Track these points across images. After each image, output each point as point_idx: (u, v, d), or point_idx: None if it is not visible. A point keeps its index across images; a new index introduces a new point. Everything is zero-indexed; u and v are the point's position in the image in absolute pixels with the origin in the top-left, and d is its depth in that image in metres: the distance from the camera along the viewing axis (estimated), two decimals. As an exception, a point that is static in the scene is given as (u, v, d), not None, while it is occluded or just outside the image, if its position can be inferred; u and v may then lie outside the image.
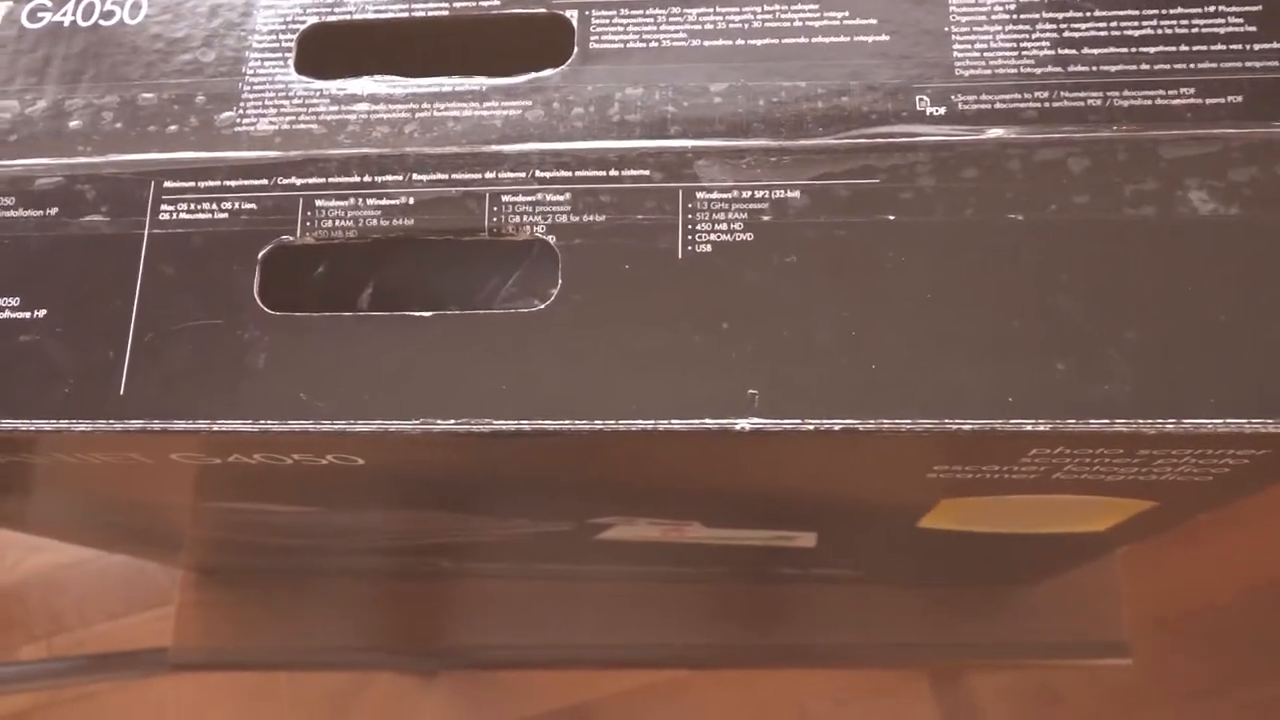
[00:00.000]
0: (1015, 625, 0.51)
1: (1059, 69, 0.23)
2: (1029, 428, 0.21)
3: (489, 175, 0.24)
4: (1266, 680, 0.92)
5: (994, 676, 0.95)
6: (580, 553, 0.44)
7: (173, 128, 0.25)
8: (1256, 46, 0.23)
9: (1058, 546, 0.37)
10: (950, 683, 0.95)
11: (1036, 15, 0.24)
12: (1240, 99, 0.23)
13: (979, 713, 0.94)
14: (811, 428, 0.21)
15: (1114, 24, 0.23)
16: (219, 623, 0.55)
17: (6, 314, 0.24)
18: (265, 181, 0.24)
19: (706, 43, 0.24)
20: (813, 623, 0.52)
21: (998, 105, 0.23)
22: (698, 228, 0.23)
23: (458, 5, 0.25)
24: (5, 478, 0.30)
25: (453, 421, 0.22)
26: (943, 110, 0.23)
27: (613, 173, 0.23)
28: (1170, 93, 0.23)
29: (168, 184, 0.25)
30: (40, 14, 0.27)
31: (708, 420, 0.22)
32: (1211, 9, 0.23)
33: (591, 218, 0.23)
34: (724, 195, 0.23)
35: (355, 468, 0.26)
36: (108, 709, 1.02)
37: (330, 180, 0.24)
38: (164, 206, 0.24)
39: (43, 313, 0.24)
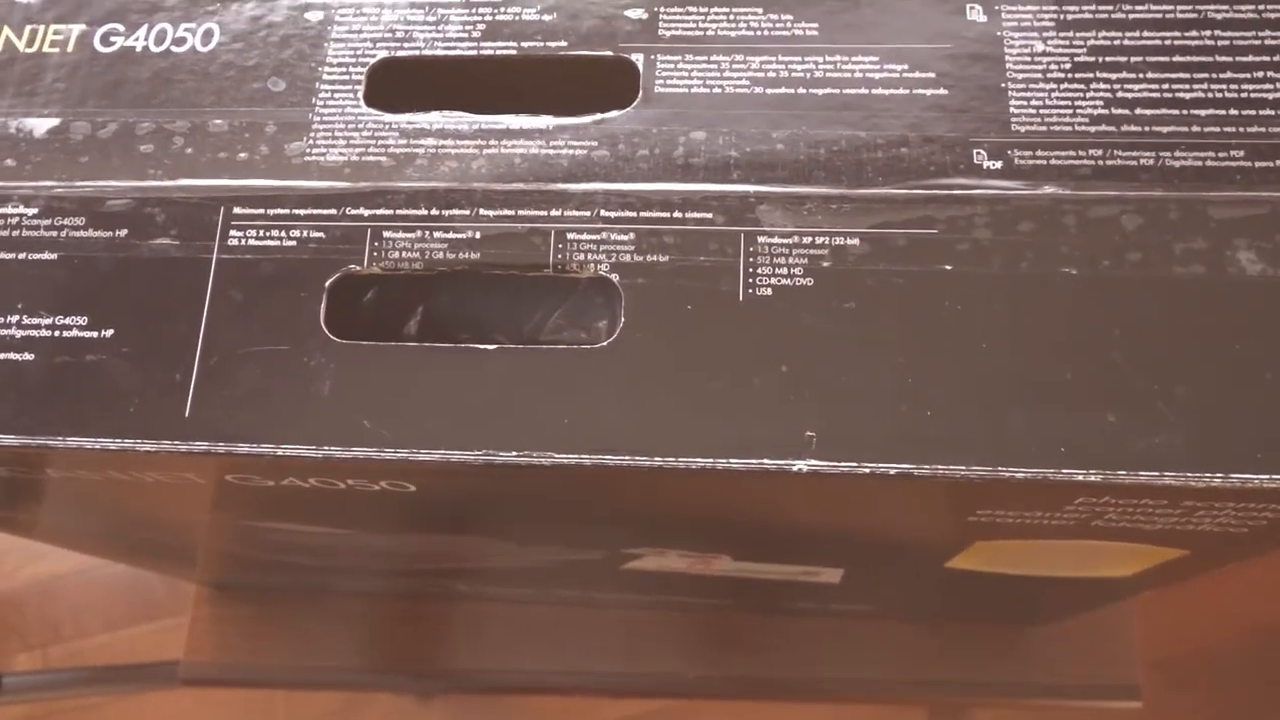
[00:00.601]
0: (1026, 665, 0.51)
1: (1112, 128, 0.24)
2: (1080, 477, 0.22)
3: (554, 213, 0.24)
4: (1262, 718, 0.93)
5: (994, 713, 0.95)
6: (603, 581, 0.44)
7: (243, 155, 0.26)
8: (1304, 113, 0.24)
9: (1081, 589, 0.37)
10: (950, 718, 0.95)
11: (1091, 75, 0.24)
12: (1288, 163, 0.24)
13: (977, 750, 0.94)
14: (868, 471, 0.22)
15: (1166, 86, 0.24)
16: (231, 639, 0.55)
17: (75, 332, 0.24)
18: (334, 211, 0.25)
19: (769, 90, 0.25)
20: (825, 657, 0.52)
21: (1053, 161, 0.24)
22: (759, 271, 0.23)
23: (525, 45, 0.26)
24: (39, 489, 0.30)
25: (515, 454, 0.23)
26: (999, 165, 0.24)
27: (676, 214, 0.24)
28: (1220, 155, 0.24)
29: (237, 210, 0.25)
30: (113, 38, 0.27)
31: (766, 460, 0.22)
32: (1261, 74, 0.24)
33: (655, 258, 0.24)
34: (785, 240, 0.24)
35: (405, 494, 0.26)
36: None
37: (398, 212, 0.25)
38: (233, 232, 0.25)
39: (110, 332, 0.24)
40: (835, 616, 0.50)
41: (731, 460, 0.22)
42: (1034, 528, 0.26)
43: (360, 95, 0.26)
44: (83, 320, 0.24)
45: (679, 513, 0.28)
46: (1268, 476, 0.21)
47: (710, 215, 0.24)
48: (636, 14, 0.26)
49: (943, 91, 0.25)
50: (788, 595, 0.45)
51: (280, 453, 0.23)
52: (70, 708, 1.01)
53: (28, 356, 0.24)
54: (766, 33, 0.25)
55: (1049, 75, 0.25)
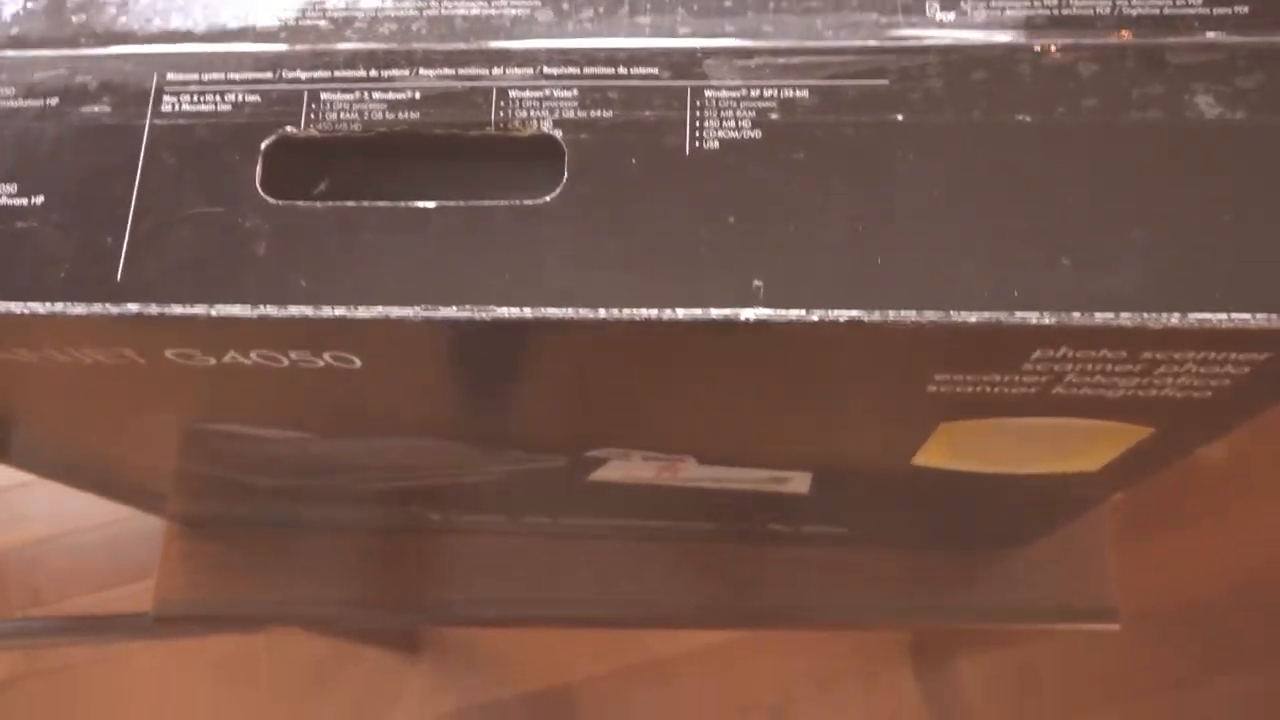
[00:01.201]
0: (1003, 589, 0.51)
1: (1068, -24, 0.23)
2: (1034, 320, 0.21)
3: (496, 71, 0.24)
4: (1247, 670, 0.93)
5: (977, 661, 0.96)
6: (570, 500, 0.43)
7: (177, 21, 0.25)
8: (1264, -42, 0.23)
9: (1048, 493, 0.37)
10: (933, 668, 0.95)
11: (1046, -76, 0.24)
12: (1246, 9, 0.23)
13: (961, 696, 0.95)
14: (816, 319, 0.21)
15: (1123, -66, 0.24)
16: (203, 575, 0.54)
17: (4, 200, 0.24)
18: (270, 75, 0.24)
19: (717, -55, 0.24)
20: (799, 584, 0.52)
21: (1008, 11, 0.23)
22: (705, 125, 0.23)
23: (467, -94, 0.25)
24: None
25: (454, 309, 0.22)
26: (952, 15, 0.23)
27: (621, 70, 0.23)
28: (1178, 2, 0.23)
29: (170, 76, 0.24)
30: (43, -91, 0.26)
31: (713, 310, 0.22)
32: (1220, -78, 0.24)
33: (599, 113, 0.23)
34: (732, 94, 0.23)
35: (353, 372, 0.26)
36: (86, 683, 1.01)
37: (336, 74, 0.24)
38: (166, 98, 0.24)
39: (40, 200, 0.24)
40: (809, 542, 0.49)
41: (678, 310, 0.22)
42: (996, 399, 0.26)
43: (297, -41, 0.25)
44: (12, 188, 0.24)
45: (633, 393, 0.27)
46: (1225, 315, 0.21)
47: (656, 70, 0.23)
48: (581, -128, 0.25)
49: (895, -57, 0.24)
50: (760, 514, 0.45)
51: (215, 313, 0.22)
52: (47, 669, 1.01)
53: (-46, 224, 0.24)
54: (714, -112, 0.25)
55: (1004, -75, 0.24)
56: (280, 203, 0.23)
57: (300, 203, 0.23)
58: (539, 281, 0.22)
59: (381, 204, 0.23)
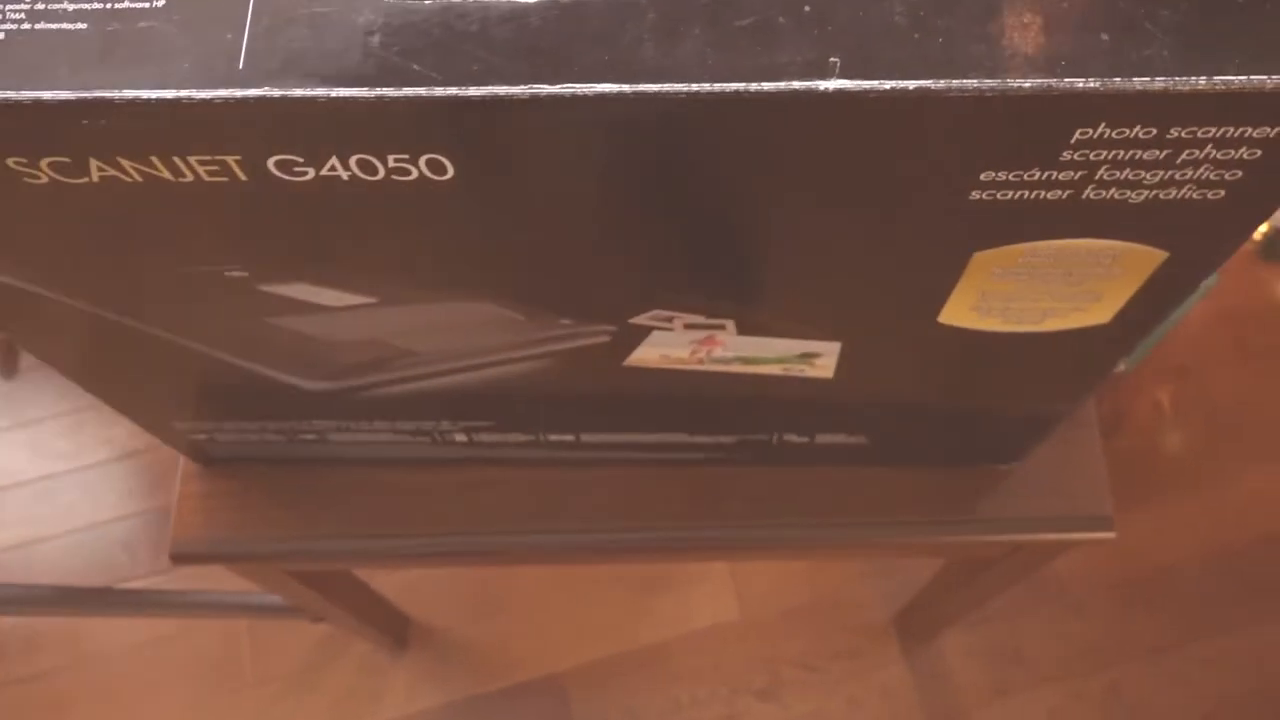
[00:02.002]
0: (1001, 502, 0.53)
1: None
2: (1080, 86, 0.24)
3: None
4: (1220, 634, 0.96)
5: (960, 637, 0.98)
6: (598, 404, 0.45)
7: None
8: None
9: (1061, 362, 0.39)
10: (920, 644, 0.97)
11: None
12: None
13: (947, 672, 0.96)
14: (889, 87, 0.24)
15: None
16: (220, 514, 0.55)
17: (126, 3, 0.25)
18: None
19: None
20: (807, 505, 0.53)
21: None
22: (778, -67, 0.25)
23: None
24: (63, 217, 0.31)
25: (559, 86, 0.24)
26: None
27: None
28: None
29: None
30: None
31: (795, 83, 0.24)
32: None
33: (680, -76, 0.26)
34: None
35: (441, 190, 0.28)
36: (63, 689, 0.98)
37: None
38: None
39: (161, 2, 0.25)
40: (822, 458, 0.51)
41: (763, 84, 0.24)
42: (1031, 208, 0.29)
43: None
44: (133, -6, 0.26)
45: (695, 226, 0.29)
46: (1245, 78, 0.24)
47: (730, -111, 0.26)
48: None
49: None
50: (776, 416, 0.47)
51: (333, 95, 0.24)
52: (20, 677, 0.98)
53: (80, 26, 0.25)
54: None
55: None
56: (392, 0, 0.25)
57: (409, 0, 0.25)
58: (633, 63, 0.24)
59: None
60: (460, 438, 0.50)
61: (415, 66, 0.25)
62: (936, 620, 0.95)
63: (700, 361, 0.41)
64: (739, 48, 0.24)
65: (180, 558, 0.55)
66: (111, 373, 0.43)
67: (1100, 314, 0.36)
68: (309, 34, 0.25)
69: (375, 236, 0.31)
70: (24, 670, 1.01)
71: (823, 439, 0.50)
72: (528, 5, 0.25)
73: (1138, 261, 0.32)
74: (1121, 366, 1.16)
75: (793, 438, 0.50)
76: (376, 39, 0.25)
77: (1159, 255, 0.32)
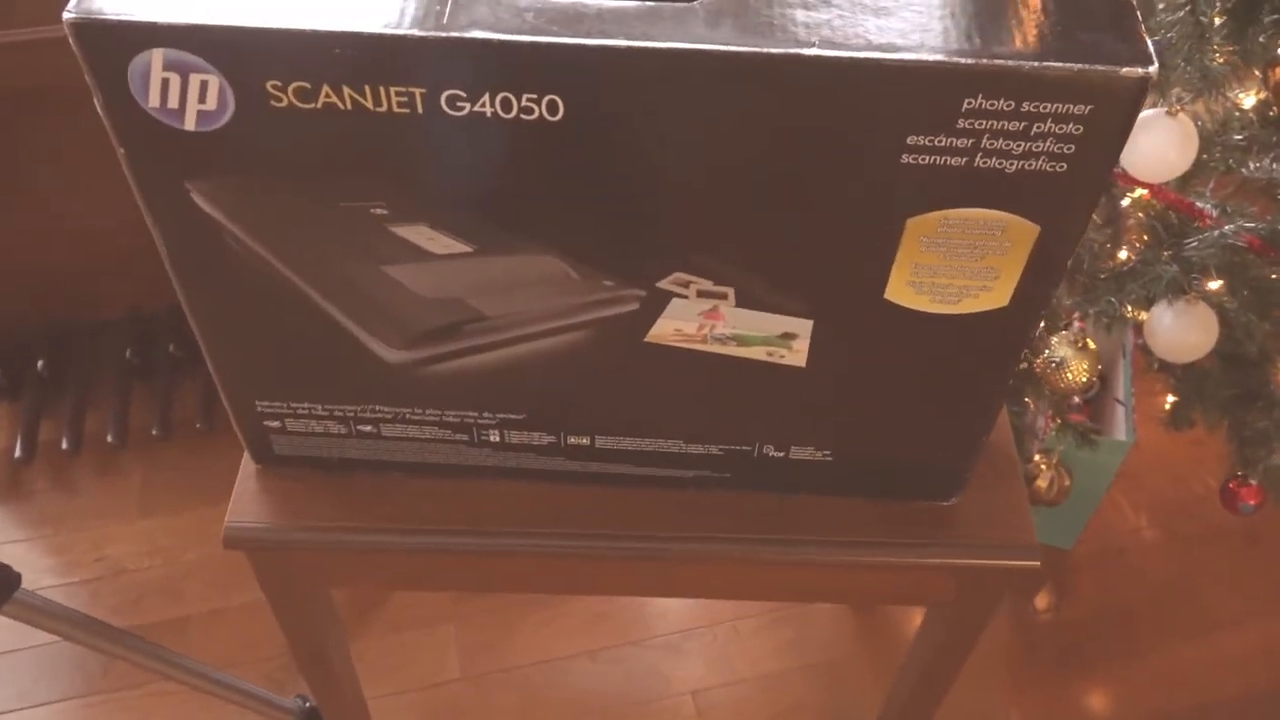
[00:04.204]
0: (943, 531, 0.65)
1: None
2: (965, 62, 0.40)
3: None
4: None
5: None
6: (616, 395, 0.58)
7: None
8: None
9: (977, 343, 0.54)
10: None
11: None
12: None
13: None
14: (862, 56, 0.40)
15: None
16: (272, 505, 0.65)
17: (370, -13, 0.42)
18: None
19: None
20: (778, 525, 0.65)
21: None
22: (779, -19, 0.43)
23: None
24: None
25: (646, 42, 0.40)
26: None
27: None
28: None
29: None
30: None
31: (805, 51, 0.40)
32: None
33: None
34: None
35: (552, 126, 0.43)
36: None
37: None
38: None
39: (394, -12, 0.42)
40: (791, 479, 0.64)
41: (773, 49, 0.40)
42: (943, 174, 0.44)
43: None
44: (373, -15, 0.42)
45: (714, 188, 0.45)
46: (1064, 64, 0.40)
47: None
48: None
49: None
50: (760, 415, 0.60)
51: (498, 39, 0.40)
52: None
53: (341, -4, 0.42)
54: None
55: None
56: (539, -3, 0.42)
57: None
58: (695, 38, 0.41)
59: None
60: (494, 436, 0.63)
61: (554, 28, 0.41)
62: None
63: (704, 339, 0.55)
64: (758, 30, 0.41)
65: (232, 541, 0.64)
66: (238, 328, 0.56)
67: (1000, 295, 0.51)
68: (488, 10, 0.42)
69: (492, 176, 0.46)
70: None
71: (796, 453, 0.63)
72: (627, 6, 0.42)
73: (1020, 234, 0.48)
74: (1067, 545, 1.29)
75: (770, 450, 0.63)
76: (530, 14, 0.41)
77: (1034, 229, 0.47)
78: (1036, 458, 1.09)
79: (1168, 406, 1.04)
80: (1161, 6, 0.84)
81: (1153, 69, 0.41)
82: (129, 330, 1.43)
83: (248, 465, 0.67)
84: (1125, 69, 0.41)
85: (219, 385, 0.61)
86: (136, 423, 1.38)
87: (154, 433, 1.36)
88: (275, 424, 0.63)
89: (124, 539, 1.28)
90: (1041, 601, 1.24)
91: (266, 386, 0.61)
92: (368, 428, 0.63)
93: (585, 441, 0.63)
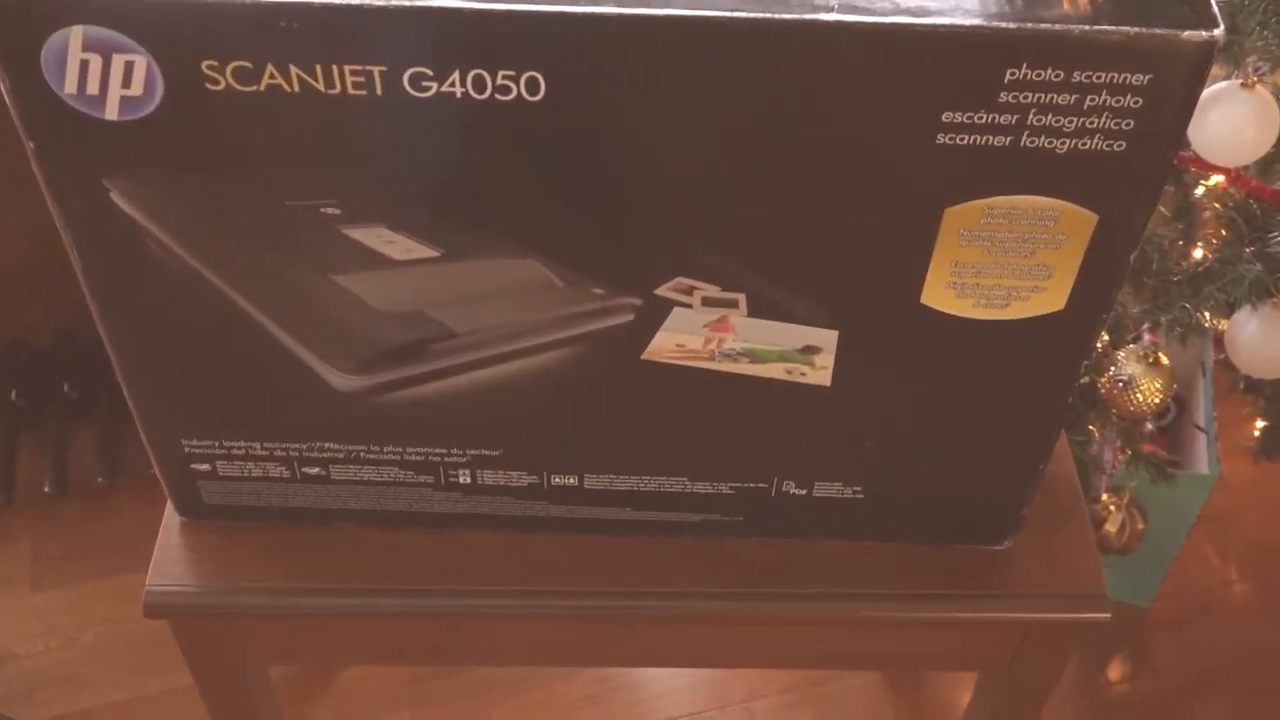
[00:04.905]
0: (998, 579, 0.67)
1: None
2: (1006, 26, 0.43)
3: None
4: None
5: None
6: (608, 425, 0.60)
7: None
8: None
9: (1030, 356, 0.56)
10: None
11: None
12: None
13: None
14: (888, 21, 0.43)
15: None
16: (200, 566, 0.66)
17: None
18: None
19: None
20: (803, 577, 0.67)
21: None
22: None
23: None
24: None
25: (633, 9, 0.42)
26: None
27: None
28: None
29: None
30: None
31: (809, 15, 0.43)
32: None
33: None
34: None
35: (531, 106, 0.45)
36: None
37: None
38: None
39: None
40: (816, 522, 0.65)
41: (786, 14, 0.43)
42: (986, 155, 0.46)
43: None
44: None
45: (725, 170, 0.47)
46: (1117, 28, 0.43)
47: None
48: None
49: None
50: (777, 446, 0.62)
51: (466, 6, 0.42)
52: None
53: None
54: None
55: None
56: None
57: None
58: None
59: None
60: (464, 477, 0.64)
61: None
62: None
63: (711, 356, 0.57)
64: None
65: (154, 608, 0.65)
66: (163, 352, 0.57)
67: (1055, 297, 0.53)
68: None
69: (462, 166, 0.48)
70: None
71: (821, 490, 0.64)
72: (615, -34, 0.44)
73: (1076, 225, 0.50)
74: (1143, 603, 1.31)
75: (791, 487, 0.64)
76: None
77: (1091, 218, 0.50)
78: (1104, 497, 1.11)
79: (1257, 433, 1.06)
80: (1233, -37, 0.87)
81: (1218, 32, 0.44)
82: (13, 368, 1.45)
83: (171, 518, 0.68)
84: (1187, 33, 0.44)
85: (139, 422, 0.62)
86: (25, 477, 1.38)
87: (46, 489, 1.37)
88: (204, 467, 0.65)
89: (12, 617, 1.28)
90: (1115, 670, 1.26)
91: (195, 422, 0.62)
92: (314, 470, 0.64)
93: (572, 482, 0.65)
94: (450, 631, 0.71)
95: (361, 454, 0.63)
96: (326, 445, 0.63)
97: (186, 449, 0.63)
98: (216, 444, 0.63)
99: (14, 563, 1.32)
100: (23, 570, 1.32)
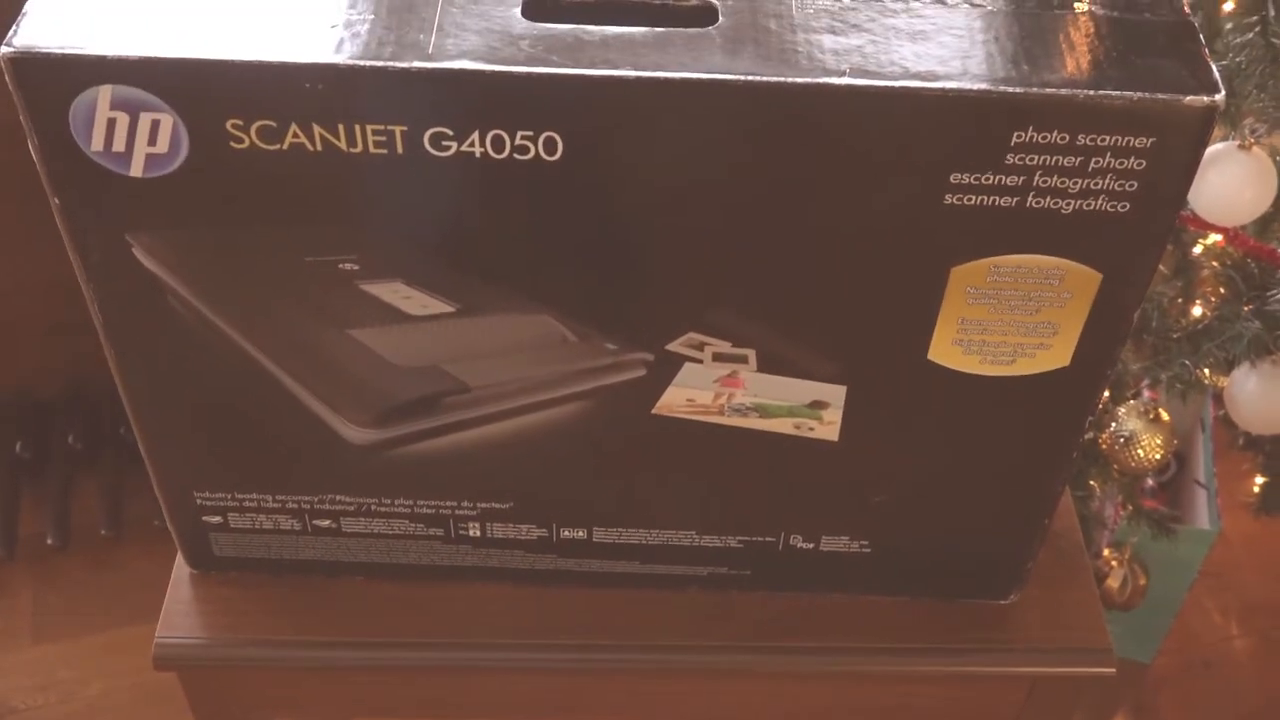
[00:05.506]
0: (1002, 634, 0.67)
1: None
2: (1012, 90, 0.44)
3: (668, -24, 0.47)
4: None
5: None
6: (618, 479, 0.60)
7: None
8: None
9: (1036, 412, 0.56)
10: None
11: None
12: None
13: None
14: (897, 85, 0.44)
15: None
16: (210, 618, 0.66)
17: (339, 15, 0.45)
18: (519, -29, 0.47)
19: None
20: (808, 632, 0.67)
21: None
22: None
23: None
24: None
25: (661, 72, 0.43)
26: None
27: (747, -22, 0.47)
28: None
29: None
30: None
31: (823, 78, 0.44)
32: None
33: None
34: (817, -7, 0.47)
35: (549, 166, 0.46)
36: None
37: (563, -27, 0.47)
38: (449, -21, 0.47)
39: (370, 14, 0.45)
40: (822, 575, 0.66)
41: (801, 79, 0.44)
42: (992, 216, 0.47)
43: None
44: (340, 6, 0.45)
45: (737, 227, 0.48)
46: (1120, 93, 0.44)
47: (769, -20, 0.47)
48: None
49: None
50: (785, 501, 0.62)
51: (489, 70, 0.43)
52: None
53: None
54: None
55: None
56: (536, 24, 0.45)
57: (548, 24, 0.45)
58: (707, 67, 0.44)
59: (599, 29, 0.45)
60: (474, 530, 0.64)
61: (553, 57, 0.44)
62: None
63: (721, 410, 0.57)
64: (776, 63, 0.44)
65: (164, 661, 0.65)
66: (180, 405, 0.58)
67: (1060, 353, 0.54)
68: (478, 39, 0.45)
69: (478, 224, 0.49)
70: None
71: (828, 544, 0.65)
72: (634, 33, 0.45)
73: (1081, 283, 0.51)
74: (1145, 659, 1.30)
75: (798, 541, 0.65)
76: (526, 43, 0.45)
77: (1095, 276, 0.50)
78: (1106, 552, 1.11)
79: (1257, 489, 1.06)
80: (1229, 27, 0.89)
81: (1219, 97, 0.45)
82: (18, 419, 1.45)
83: (181, 570, 0.68)
84: (1189, 97, 0.45)
85: (153, 474, 0.62)
86: (27, 530, 1.38)
87: (49, 541, 1.37)
88: (216, 519, 0.65)
89: (13, 671, 1.27)
90: (1118, 727, 1.26)
91: (208, 475, 0.62)
92: (326, 522, 0.65)
93: (581, 535, 0.65)
94: (459, 684, 0.71)
95: (372, 506, 0.64)
96: (338, 498, 0.63)
97: (199, 500, 0.64)
98: (229, 496, 0.63)
99: (15, 615, 1.32)
100: (23, 623, 1.31)
